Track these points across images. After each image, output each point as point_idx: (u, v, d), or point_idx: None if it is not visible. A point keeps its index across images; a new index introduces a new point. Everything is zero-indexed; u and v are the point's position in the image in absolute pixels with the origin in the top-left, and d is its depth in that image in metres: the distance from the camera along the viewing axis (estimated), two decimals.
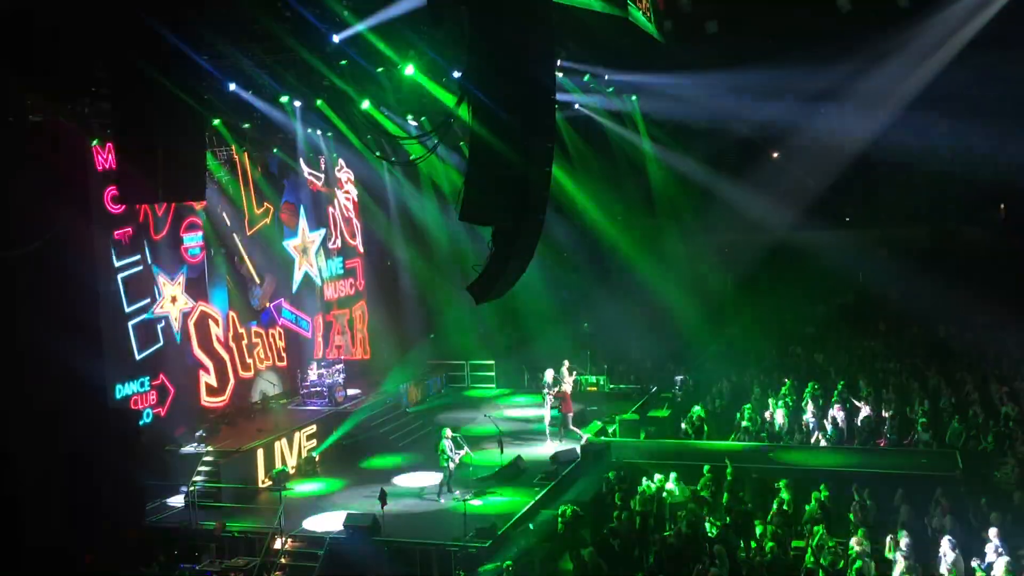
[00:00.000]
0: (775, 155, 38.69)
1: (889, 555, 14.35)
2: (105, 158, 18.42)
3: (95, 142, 18.21)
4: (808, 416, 21.48)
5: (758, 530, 15.51)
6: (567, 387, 22.07)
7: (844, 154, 36.32)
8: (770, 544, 14.42)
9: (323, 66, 17.12)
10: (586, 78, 25.40)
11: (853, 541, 14.50)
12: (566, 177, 29.29)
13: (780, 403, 22.66)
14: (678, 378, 25.57)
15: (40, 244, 16.58)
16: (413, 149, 22.86)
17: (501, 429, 20.66)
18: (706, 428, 21.91)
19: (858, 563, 13.51)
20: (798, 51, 27.09)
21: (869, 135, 35.13)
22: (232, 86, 17.61)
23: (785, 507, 16.26)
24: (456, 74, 18.50)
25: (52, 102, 16.27)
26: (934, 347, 28.01)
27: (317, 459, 20.72)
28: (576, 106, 26.90)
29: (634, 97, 28.96)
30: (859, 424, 20.94)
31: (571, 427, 21.66)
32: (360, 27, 15.31)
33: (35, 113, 16.35)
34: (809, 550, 14.55)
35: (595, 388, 27.26)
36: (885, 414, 21.09)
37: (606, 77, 25.42)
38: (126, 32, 11.22)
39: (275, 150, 23.60)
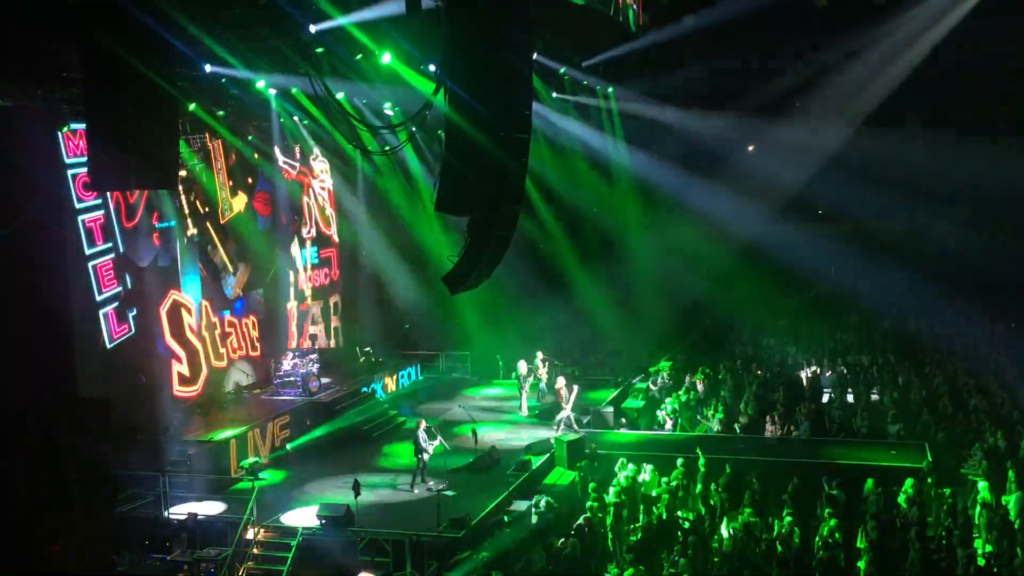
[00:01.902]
0: (750, 148, 38.97)
1: (860, 545, 14.54)
2: (76, 144, 18.18)
3: (65, 128, 17.96)
4: (779, 408, 21.70)
5: (727, 521, 15.65)
6: (558, 386, 21.91)
7: (819, 150, 36.75)
8: (741, 535, 14.54)
9: (297, 54, 16.98)
10: (562, 71, 25.40)
11: (824, 530, 14.67)
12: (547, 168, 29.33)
13: (752, 395, 22.86)
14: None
15: (9, 232, 16.36)
16: (388, 139, 22.78)
17: (475, 419, 20.68)
18: (680, 419, 22.06)
19: (825, 554, 13.66)
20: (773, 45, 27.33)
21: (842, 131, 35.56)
22: (208, 67, 17.39)
23: (757, 498, 16.41)
24: (432, 66, 18.49)
25: (21, 87, 16.01)
26: (904, 341, 28.35)
27: (290, 452, 20.61)
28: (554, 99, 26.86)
29: (610, 89, 28.99)
30: (831, 416, 21.17)
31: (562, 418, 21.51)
32: (339, 21, 15.26)
33: (3, 98, 16.08)
34: (778, 538, 14.69)
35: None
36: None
37: (583, 64, 25.33)
38: (97, 13, 11.05)
39: (250, 138, 23.39)
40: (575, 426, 21.06)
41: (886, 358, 26.18)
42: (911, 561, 13.46)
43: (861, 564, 13.77)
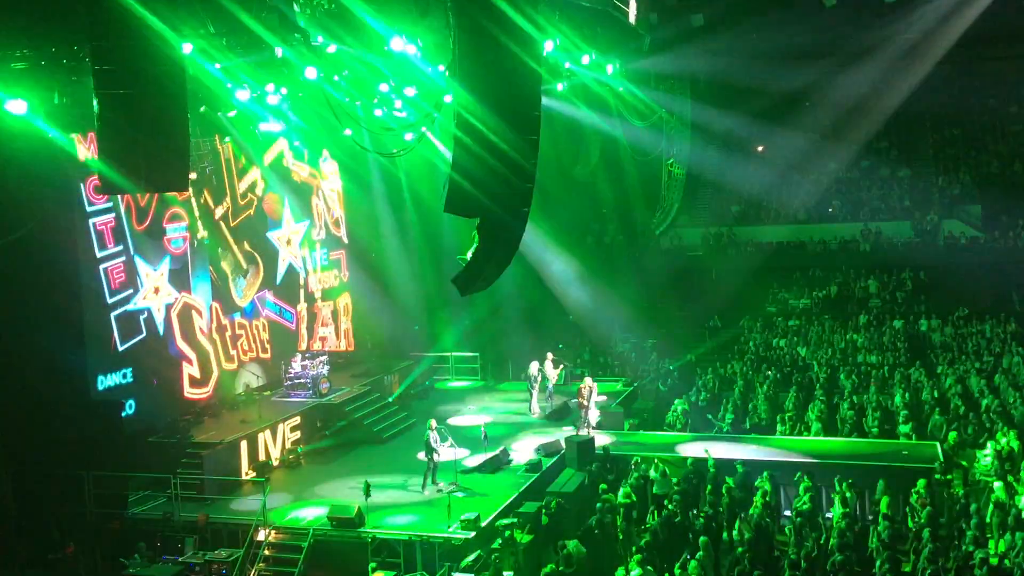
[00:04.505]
0: (760, 148, 38.88)
1: (872, 545, 14.50)
2: (87, 147, 18.27)
3: (77, 132, 18.04)
4: (790, 408, 21.66)
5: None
6: (584, 385, 21.87)
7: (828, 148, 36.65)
8: (753, 536, 14.51)
9: (307, 55, 17.01)
10: (567, 73, 25.31)
11: (835, 531, 14.62)
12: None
13: (763, 396, 22.82)
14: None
15: (21, 234, 16.45)
16: (397, 140, 22.77)
17: (485, 420, 20.68)
18: (689, 421, 22.02)
19: (838, 556, 13.61)
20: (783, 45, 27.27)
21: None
22: (217, 65, 17.41)
23: (768, 499, 16.37)
24: (441, 68, 18.50)
25: (33, 91, 16.09)
26: (916, 340, 28.23)
27: (301, 454, 20.66)
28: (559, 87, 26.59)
29: (620, 88, 28.88)
30: (842, 416, 21.11)
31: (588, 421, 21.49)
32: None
33: (15, 102, 16.15)
34: (791, 541, 14.67)
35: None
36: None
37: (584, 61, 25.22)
38: (108, 17, 11.10)
39: (259, 140, 23.44)
40: (587, 427, 21.09)
41: (897, 358, 26.09)
42: (923, 561, 13.40)
43: (874, 565, 13.71)
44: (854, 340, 28.38)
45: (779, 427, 21.31)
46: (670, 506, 16.05)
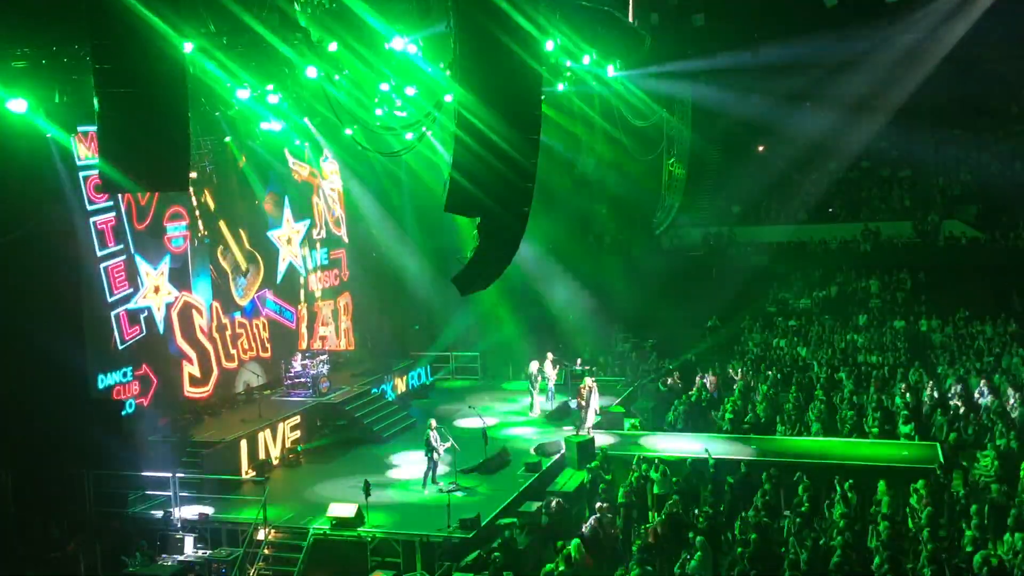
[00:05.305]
0: (760, 149, 38.90)
1: (871, 545, 14.48)
2: (88, 146, 18.26)
3: (77, 130, 18.02)
4: (790, 409, 21.64)
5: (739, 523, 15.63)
6: (584, 386, 21.82)
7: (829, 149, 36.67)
8: (753, 535, 14.49)
9: (307, 54, 17.01)
10: (567, 73, 25.32)
11: (835, 531, 14.62)
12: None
13: (763, 396, 22.80)
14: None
15: (22, 233, 16.45)
16: (398, 140, 22.76)
17: (485, 420, 20.67)
18: (690, 420, 22.00)
19: (838, 553, 13.60)
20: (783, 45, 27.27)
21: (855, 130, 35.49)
22: (218, 64, 17.41)
23: (768, 499, 16.36)
24: (441, 67, 18.49)
25: (34, 90, 16.09)
26: (916, 340, 28.22)
27: (301, 453, 20.66)
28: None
29: (622, 89, 28.89)
30: (842, 416, 21.10)
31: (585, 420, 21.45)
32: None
33: (16, 102, 16.13)
34: (791, 541, 14.65)
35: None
36: None
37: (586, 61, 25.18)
38: (109, 16, 11.09)
39: (259, 140, 23.43)
40: (585, 427, 21.08)
41: (897, 358, 26.07)
42: (923, 562, 13.39)
43: (873, 565, 13.70)
44: (854, 340, 28.37)
45: (779, 427, 21.30)
46: (669, 506, 16.04)
